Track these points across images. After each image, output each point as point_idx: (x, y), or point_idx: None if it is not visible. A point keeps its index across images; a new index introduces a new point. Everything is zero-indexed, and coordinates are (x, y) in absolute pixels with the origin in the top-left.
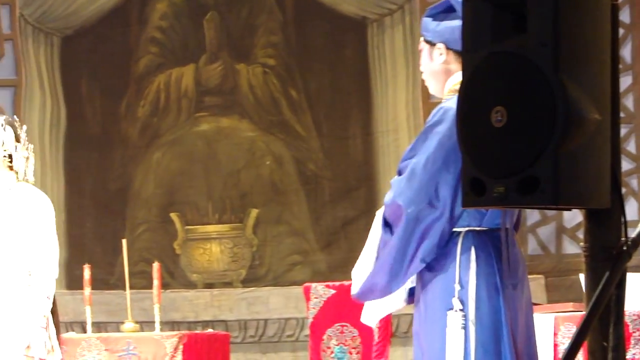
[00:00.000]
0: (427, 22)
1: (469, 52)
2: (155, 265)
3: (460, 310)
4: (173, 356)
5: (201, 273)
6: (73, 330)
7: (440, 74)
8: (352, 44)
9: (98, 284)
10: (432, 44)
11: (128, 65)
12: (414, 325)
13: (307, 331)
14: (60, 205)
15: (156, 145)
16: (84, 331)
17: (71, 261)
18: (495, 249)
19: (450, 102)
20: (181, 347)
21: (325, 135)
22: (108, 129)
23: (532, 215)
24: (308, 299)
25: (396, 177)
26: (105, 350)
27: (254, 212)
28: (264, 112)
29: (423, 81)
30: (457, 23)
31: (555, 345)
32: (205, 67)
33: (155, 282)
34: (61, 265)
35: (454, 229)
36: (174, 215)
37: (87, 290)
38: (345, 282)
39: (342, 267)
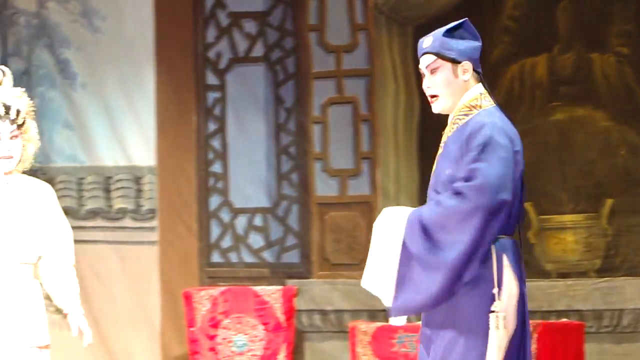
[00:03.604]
0: (447, 41)
1: None
2: None
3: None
4: None
5: (555, 263)
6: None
7: (462, 90)
8: None
9: None
10: (456, 61)
11: (482, 54)
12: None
13: None
14: (413, 195)
15: None
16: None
17: None
18: (517, 254)
19: (482, 117)
20: (536, 335)
21: None
22: None
23: None
24: None
25: (463, 182)
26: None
27: (609, 202)
28: (619, 102)
29: None
30: (476, 44)
31: None
32: (559, 57)
33: None
34: None
35: None
36: (527, 205)
37: None
38: None
39: None
